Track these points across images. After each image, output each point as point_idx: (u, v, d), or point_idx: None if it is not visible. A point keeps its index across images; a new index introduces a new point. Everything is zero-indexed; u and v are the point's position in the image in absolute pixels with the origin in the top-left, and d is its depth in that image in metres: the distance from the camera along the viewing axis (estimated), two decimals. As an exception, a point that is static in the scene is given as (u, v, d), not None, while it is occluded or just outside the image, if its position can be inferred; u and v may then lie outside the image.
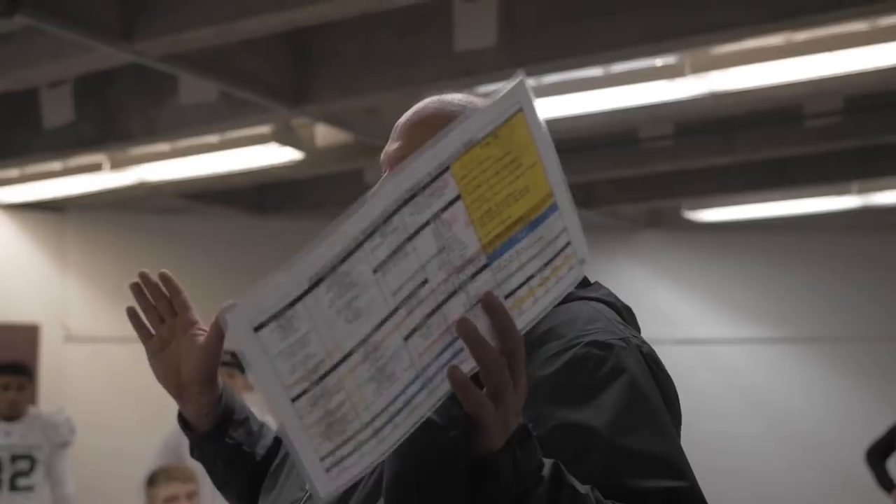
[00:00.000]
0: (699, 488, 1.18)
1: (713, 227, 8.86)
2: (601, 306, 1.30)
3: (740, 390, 8.85)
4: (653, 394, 1.20)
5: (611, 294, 1.37)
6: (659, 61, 4.68)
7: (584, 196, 7.70)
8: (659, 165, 6.68)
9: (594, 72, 4.83)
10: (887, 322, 8.47)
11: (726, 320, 8.96)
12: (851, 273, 8.68)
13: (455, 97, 1.41)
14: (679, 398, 1.31)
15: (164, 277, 1.53)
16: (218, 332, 1.49)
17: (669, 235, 9.12)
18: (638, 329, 1.36)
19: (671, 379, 1.29)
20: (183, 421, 1.59)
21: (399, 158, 1.35)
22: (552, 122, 5.44)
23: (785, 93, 5.10)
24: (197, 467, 4.26)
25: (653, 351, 1.27)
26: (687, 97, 4.96)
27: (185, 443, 5.15)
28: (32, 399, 5.60)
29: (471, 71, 4.43)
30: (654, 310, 8.81)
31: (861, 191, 7.42)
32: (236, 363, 4.85)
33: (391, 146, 1.40)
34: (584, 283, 1.38)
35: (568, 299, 1.25)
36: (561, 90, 4.94)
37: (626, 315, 1.35)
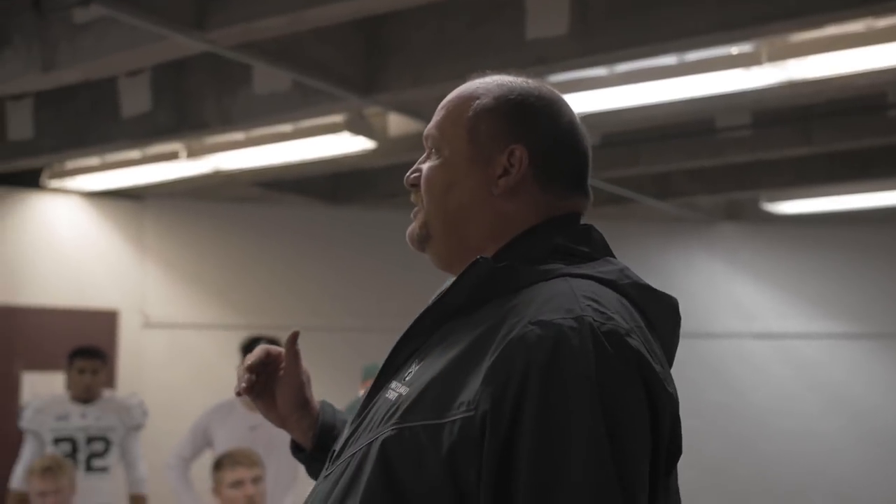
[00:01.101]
0: None
1: (792, 220, 8.69)
2: (583, 283, 1.26)
3: (818, 386, 8.67)
4: (578, 398, 1.14)
5: (616, 271, 1.32)
6: (734, 49, 4.59)
7: (660, 187, 7.61)
8: (736, 156, 6.56)
9: (668, 60, 4.75)
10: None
11: (805, 315, 8.79)
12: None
13: (487, 82, 1.45)
14: (662, 385, 1.21)
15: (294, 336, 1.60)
16: (292, 359, 1.58)
17: (747, 228, 8.97)
18: (645, 312, 1.29)
19: (643, 359, 1.20)
20: (295, 445, 1.65)
21: (426, 138, 1.46)
22: (626, 112, 5.39)
23: (866, 81, 4.97)
24: (265, 450, 4.32)
25: (617, 329, 1.19)
26: (764, 86, 4.86)
27: (213, 426, 5.20)
28: (108, 382, 5.71)
29: (542, 59, 4.39)
30: (731, 303, 8.69)
31: (946, 183, 7.23)
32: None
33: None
34: (589, 257, 1.35)
35: (551, 276, 1.26)
36: (634, 79, 4.88)
37: (633, 294, 1.29)
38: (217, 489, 4.04)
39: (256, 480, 4.00)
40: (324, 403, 1.64)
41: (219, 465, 4.06)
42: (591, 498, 1.11)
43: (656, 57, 4.54)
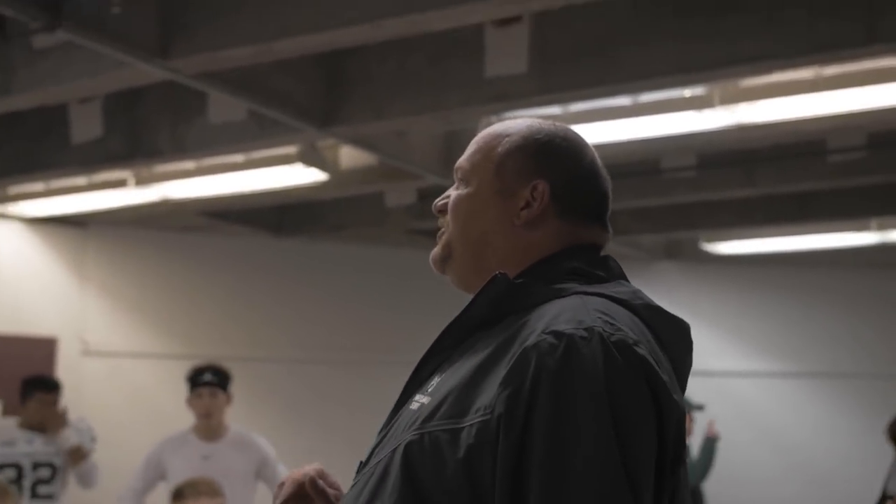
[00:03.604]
0: None
1: (730, 260, 8.87)
2: (595, 300, 1.34)
3: (751, 421, 8.83)
4: (587, 402, 1.21)
5: (629, 292, 1.40)
6: (688, 92, 4.71)
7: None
8: (680, 196, 6.70)
9: (622, 101, 4.85)
10: (900, 361, 8.47)
11: (741, 353, 8.95)
12: (867, 310, 8.68)
13: (518, 123, 1.56)
14: (668, 392, 1.27)
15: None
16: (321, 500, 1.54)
17: (686, 267, 9.13)
18: (654, 330, 1.36)
19: (650, 367, 1.27)
20: None
21: (457, 169, 1.56)
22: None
23: (811, 127, 5.11)
24: (219, 480, 4.29)
25: (625, 339, 1.26)
26: (713, 129, 4.98)
27: (166, 457, 5.15)
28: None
29: (501, 97, 4.46)
30: (668, 341, 8.81)
31: (880, 227, 7.43)
32: (219, 382, 4.91)
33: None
34: (604, 279, 1.43)
35: (566, 293, 1.36)
36: (588, 118, 4.97)
37: (644, 314, 1.37)
38: (177, 519, 4.00)
39: (219, 510, 3.97)
40: None
41: (179, 494, 4.02)
42: (601, 497, 1.17)
43: (613, 97, 4.64)
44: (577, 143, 1.53)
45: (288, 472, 4.70)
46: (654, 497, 1.24)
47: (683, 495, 1.35)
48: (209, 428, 4.91)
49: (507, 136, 1.53)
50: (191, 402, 4.94)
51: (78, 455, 5.34)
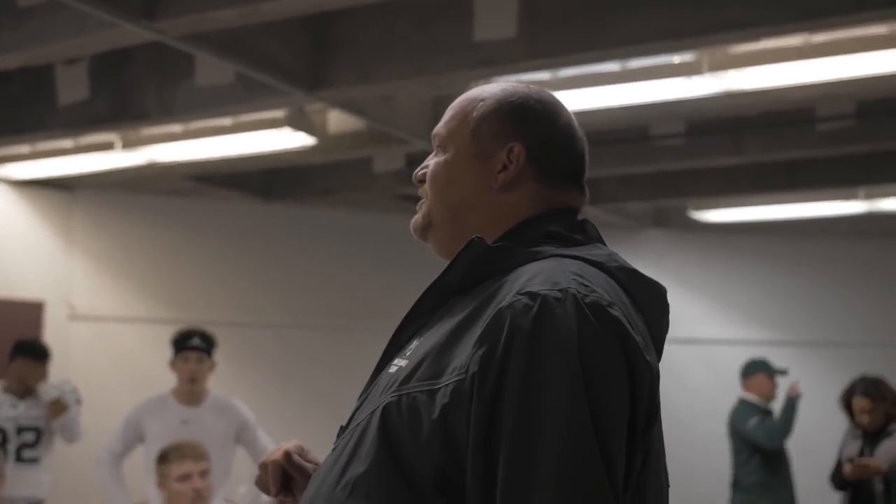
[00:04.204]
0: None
1: (718, 228, 8.88)
2: (571, 262, 1.35)
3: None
4: (559, 361, 1.21)
5: (605, 255, 1.41)
6: (677, 58, 4.70)
7: (592, 192, 7.62)
8: (667, 164, 6.69)
9: (611, 67, 4.84)
10: (888, 329, 8.50)
11: (728, 321, 8.99)
12: (855, 279, 8.71)
13: (492, 87, 1.57)
14: (640, 353, 1.28)
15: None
16: (299, 474, 1.53)
17: (674, 235, 9.14)
18: (630, 293, 1.37)
19: (623, 328, 1.27)
20: None
21: (434, 136, 1.57)
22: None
23: (799, 95, 5.12)
24: (206, 444, 4.30)
25: (599, 300, 1.27)
26: (702, 96, 4.98)
27: (145, 421, 5.13)
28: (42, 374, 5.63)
29: (489, 62, 4.44)
30: (655, 308, 8.83)
31: (868, 196, 7.44)
32: (206, 348, 4.90)
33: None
34: (581, 242, 1.44)
35: (543, 256, 1.37)
36: (577, 84, 4.96)
37: (620, 277, 1.37)
38: (162, 483, 3.99)
39: (204, 474, 3.97)
40: None
41: (164, 458, 4.01)
42: (570, 450, 1.18)
43: (601, 63, 4.62)
44: (551, 105, 1.54)
45: (267, 436, 4.71)
46: (626, 457, 1.25)
47: (658, 454, 1.36)
48: (191, 393, 4.90)
49: (482, 100, 1.53)
50: (176, 365, 4.92)
51: (58, 408, 5.33)
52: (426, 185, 1.55)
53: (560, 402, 1.20)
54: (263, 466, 1.54)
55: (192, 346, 4.88)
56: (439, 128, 1.56)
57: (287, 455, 1.51)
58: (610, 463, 1.20)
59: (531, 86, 1.56)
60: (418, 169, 1.58)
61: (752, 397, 6.54)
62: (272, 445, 4.56)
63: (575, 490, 1.17)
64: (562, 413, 1.19)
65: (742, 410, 6.57)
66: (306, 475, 1.50)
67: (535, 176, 1.48)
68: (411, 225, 1.56)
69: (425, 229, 1.55)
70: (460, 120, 1.53)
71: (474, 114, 1.52)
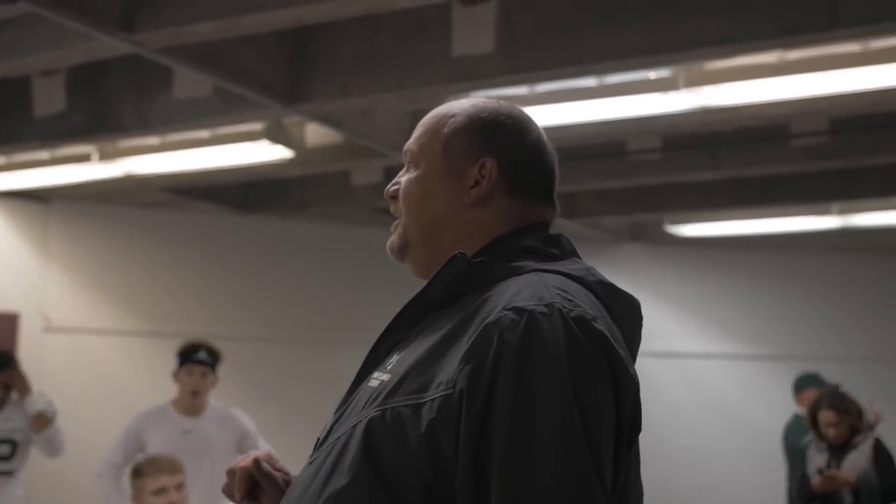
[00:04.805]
0: None
1: (694, 243, 8.93)
2: (553, 277, 1.36)
3: (716, 406, 8.91)
4: (548, 376, 1.23)
5: (583, 269, 1.42)
6: (653, 74, 4.73)
7: (569, 206, 7.75)
8: (644, 178, 6.73)
9: (588, 82, 4.87)
10: (864, 343, 8.56)
11: (704, 335, 9.03)
12: (830, 293, 8.77)
13: (462, 103, 1.58)
14: (624, 367, 1.30)
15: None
16: (269, 483, 1.52)
17: (651, 249, 9.19)
18: (607, 307, 1.38)
19: (608, 342, 1.29)
20: None
21: (405, 153, 1.58)
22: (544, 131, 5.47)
23: (774, 111, 5.17)
24: (181, 457, 4.28)
25: (584, 315, 1.29)
26: (678, 111, 5.01)
27: (145, 431, 5.09)
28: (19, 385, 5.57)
29: (468, 76, 4.46)
30: (632, 322, 8.86)
31: (842, 212, 7.51)
32: (211, 363, 4.89)
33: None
34: (558, 257, 1.46)
35: (524, 271, 1.38)
36: (555, 99, 4.98)
37: (599, 291, 1.39)
38: (138, 497, 3.97)
39: (179, 487, 3.96)
40: None
41: (139, 472, 3.98)
42: (564, 463, 1.19)
43: (579, 78, 4.65)
44: (521, 121, 1.55)
45: (269, 445, 4.67)
46: (613, 466, 1.27)
47: (637, 469, 1.37)
48: (192, 405, 4.89)
49: (452, 116, 1.54)
50: (179, 377, 4.91)
51: (42, 421, 5.29)
52: (399, 203, 1.56)
53: (552, 416, 1.21)
54: (231, 473, 1.54)
55: (197, 359, 4.87)
56: (410, 144, 1.57)
57: (256, 462, 1.51)
58: (602, 475, 1.22)
59: (501, 101, 1.58)
60: (390, 185, 1.59)
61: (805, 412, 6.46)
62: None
63: (570, 502, 1.19)
64: (554, 426, 1.20)
65: (796, 426, 6.52)
66: (275, 483, 1.50)
67: (507, 191, 1.50)
68: (388, 246, 1.57)
69: (403, 249, 1.55)
70: (431, 136, 1.55)
71: (445, 130, 1.53)
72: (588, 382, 1.24)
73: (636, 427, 1.33)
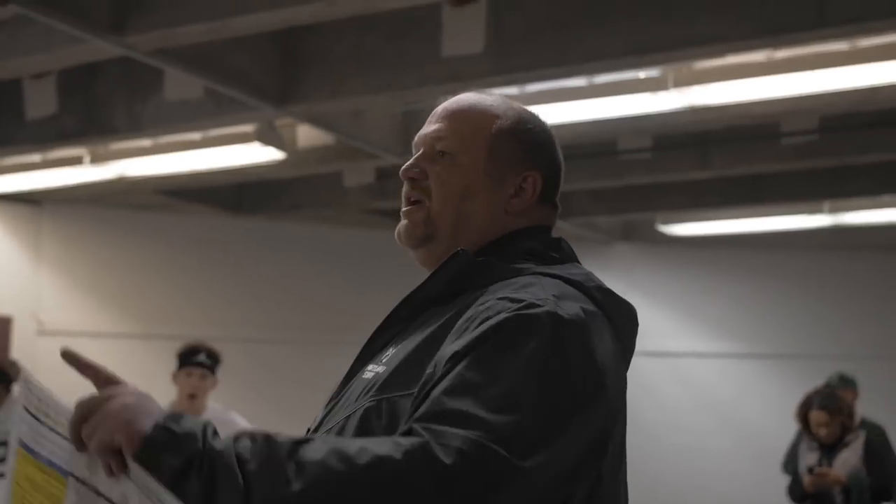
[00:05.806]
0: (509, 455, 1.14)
1: (686, 242, 8.95)
2: (550, 280, 1.36)
3: (709, 405, 8.93)
4: (534, 357, 1.22)
5: (582, 275, 1.42)
6: (642, 74, 4.75)
7: (561, 206, 7.74)
8: (635, 178, 6.75)
9: (578, 82, 4.89)
10: (856, 341, 8.57)
11: (697, 334, 9.05)
12: (821, 291, 8.79)
13: (499, 102, 1.56)
14: (606, 372, 1.30)
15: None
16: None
17: (643, 248, 9.21)
18: (605, 312, 1.38)
19: (591, 348, 1.28)
20: None
21: (437, 139, 1.51)
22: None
23: (763, 110, 5.19)
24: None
25: (577, 317, 1.28)
26: (667, 110, 5.04)
27: None
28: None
29: (458, 77, 4.48)
30: (624, 322, 8.87)
31: (832, 210, 7.54)
32: (211, 366, 4.89)
33: (428, 128, 1.54)
34: (558, 261, 1.46)
35: (524, 273, 1.39)
36: (545, 99, 5.00)
37: (597, 296, 1.39)
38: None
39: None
40: None
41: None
42: (509, 398, 1.17)
43: (568, 78, 4.67)
44: (552, 134, 1.58)
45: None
46: (599, 451, 1.29)
47: (616, 470, 1.41)
48: (191, 407, 4.89)
49: (497, 117, 1.52)
50: (178, 379, 4.90)
51: None
52: (432, 188, 1.50)
53: (520, 361, 1.20)
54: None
55: (196, 361, 4.85)
56: (443, 131, 1.51)
57: (66, 351, 1.46)
58: (527, 431, 1.17)
59: (528, 109, 1.59)
60: (409, 166, 1.52)
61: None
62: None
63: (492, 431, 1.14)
64: (518, 368, 1.19)
65: None
66: (89, 367, 1.37)
67: (539, 202, 1.52)
68: (404, 230, 1.51)
69: (426, 239, 1.50)
70: (474, 131, 1.51)
71: (492, 130, 1.51)
72: (567, 374, 1.23)
73: (623, 418, 1.36)
